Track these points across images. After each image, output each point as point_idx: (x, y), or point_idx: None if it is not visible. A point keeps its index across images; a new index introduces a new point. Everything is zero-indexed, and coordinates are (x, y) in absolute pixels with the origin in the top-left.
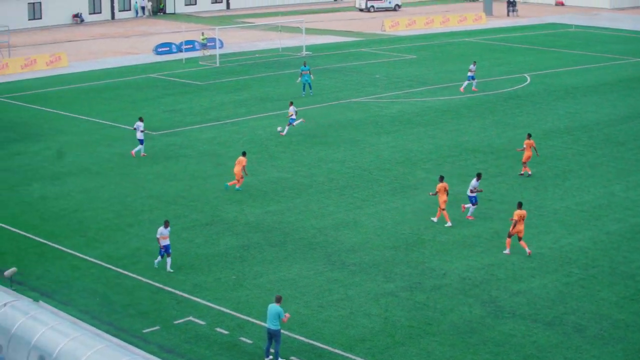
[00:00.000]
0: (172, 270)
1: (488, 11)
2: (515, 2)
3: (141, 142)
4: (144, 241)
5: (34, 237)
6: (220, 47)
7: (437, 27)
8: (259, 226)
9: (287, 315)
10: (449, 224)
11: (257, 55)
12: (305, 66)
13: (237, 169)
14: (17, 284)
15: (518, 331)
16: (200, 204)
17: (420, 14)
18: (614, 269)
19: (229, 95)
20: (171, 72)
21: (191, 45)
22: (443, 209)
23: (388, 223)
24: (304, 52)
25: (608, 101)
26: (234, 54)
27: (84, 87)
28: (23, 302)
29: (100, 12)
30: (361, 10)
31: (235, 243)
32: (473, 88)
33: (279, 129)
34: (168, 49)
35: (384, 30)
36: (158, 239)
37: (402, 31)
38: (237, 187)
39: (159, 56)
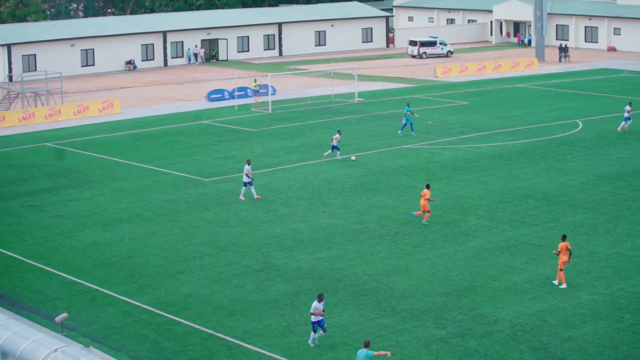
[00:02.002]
0: (313, 345)
1: (540, 57)
2: (567, 47)
3: (246, 184)
4: (194, 287)
5: (85, 283)
6: (272, 94)
7: (490, 73)
8: (310, 272)
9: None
10: (563, 285)
11: (309, 101)
12: (408, 107)
13: (422, 201)
14: (68, 330)
15: None
16: (252, 251)
17: (473, 60)
18: None
19: (280, 142)
20: (223, 118)
21: (243, 92)
22: (561, 270)
23: (439, 269)
24: (357, 99)
25: None
26: (286, 101)
27: (136, 134)
28: (74, 348)
29: (153, 59)
30: (413, 56)
31: (286, 289)
32: (625, 126)
33: (352, 158)
34: (220, 95)
35: (436, 77)
36: (312, 314)
37: (454, 77)
38: (423, 220)
39: (211, 103)
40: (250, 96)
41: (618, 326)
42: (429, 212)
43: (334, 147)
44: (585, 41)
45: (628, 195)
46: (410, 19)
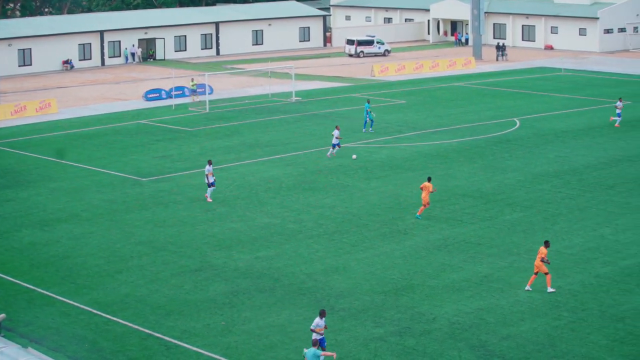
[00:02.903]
0: None
1: (477, 56)
2: (504, 46)
3: (211, 184)
4: (132, 287)
5: (23, 283)
6: (209, 93)
7: (427, 72)
8: (248, 272)
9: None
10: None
11: (246, 101)
12: (368, 104)
13: (424, 194)
14: (6, 330)
15: None
16: (190, 250)
17: (410, 59)
18: (603, 312)
19: (218, 141)
20: (161, 118)
21: (181, 92)
22: (546, 274)
23: (377, 268)
24: (294, 98)
25: (598, 144)
26: (223, 100)
27: (74, 134)
28: (12, 349)
29: (90, 59)
30: (351, 55)
31: (224, 289)
32: (616, 124)
33: (353, 156)
34: (158, 95)
35: (374, 76)
36: (313, 330)
37: (392, 76)
38: (417, 214)
39: (148, 102)
40: (187, 95)
41: (556, 324)
42: (424, 206)
43: (334, 145)
44: (523, 40)
45: (565, 193)
46: (348, 18)
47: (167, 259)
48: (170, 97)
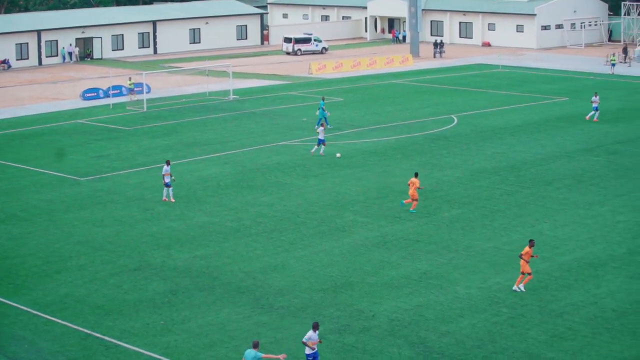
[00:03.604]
0: None
1: (415, 53)
2: (442, 43)
3: (168, 184)
4: (71, 287)
5: None
6: (147, 92)
7: (364, 70)
8: (187, 271)
9: (271, 355)
10: (517, 288)
11: (184, 99)
12: (322, 101)
13: (411, 191)
14: None
15: None
16: (128, 250)
17: (347, 56)
18: (542, 307)
19: (156, 140)
20: (98, 117)
21: (118, 91)
22: (528, 274)
23: (316, 265)
24: (232, 96)
25: (535, 141)
26: (161, 99)
27: (11, 134)
28: None
29: (28, 58)
30: (288, 53)
31: (163, 288)
32: (595, 119)
33: (337, 155)
34: (95, 94)
35: (311, 74)
36: (305, 343)
37: (329, 74)
38: (411, 209)
39: (86, 102)
40: (125, 95)
41: (495, 320)
42: (416, 200)
43: (320, 142)
44: (460, 37)
45: (504, 189)
46: (285, 16)
47: (106, 259)
48: (108, 96)
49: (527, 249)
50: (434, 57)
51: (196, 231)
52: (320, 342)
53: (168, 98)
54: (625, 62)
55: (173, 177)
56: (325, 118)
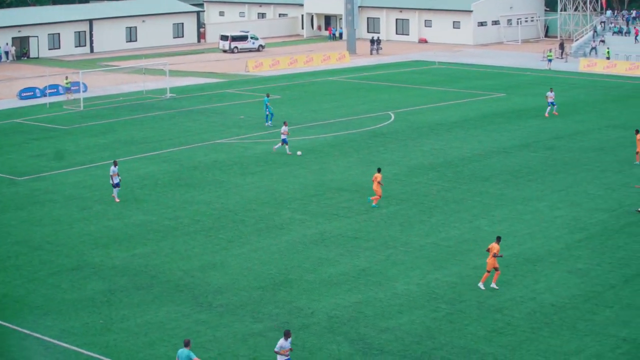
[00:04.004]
0: None
1: (351, 50)
2: (378, 40)
3: (116, 185)
4: (10, 288)
5: None
6: (84, 91)
7: (301, 67)
8: (126, 270)
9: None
10: (493, 285)
11: (121, 98)
12: (267, 97)
13: (375, 186)
14: None
15: None
16: (66, 249)
17: (284, 54)
18: (481, 303)
19: (93, 139)
20: (35, 116)
21: (55, 90)
22: (495, 269)
23: (254, 263)
24: (168, 95)
25: (472, 137)
26: (98, 98)
27: None
28: None
29: None
30: (225, 51)
31: (102, 287)
32: (554, 112)
33: (298, 153)
34: (32, 93)
35: (248, 71)
36: (277, 352)
37: (266, 71)
38: (373, 203)
39: (22, 101)
40: (62, 94)
41: (434, 316)
42: (379, 196)
43: (283, 141)
44: (397, 34)
45: (441, 185)
46: (222, 13)
47: (44, 258)
48: (45, 95)
49: (495, 245)
50: (371, 54)
51: (134, 230)
52: (291, 350)
53: (105, 97)
54: (561, 58)
55: (120, 178)
56: (270, 114)
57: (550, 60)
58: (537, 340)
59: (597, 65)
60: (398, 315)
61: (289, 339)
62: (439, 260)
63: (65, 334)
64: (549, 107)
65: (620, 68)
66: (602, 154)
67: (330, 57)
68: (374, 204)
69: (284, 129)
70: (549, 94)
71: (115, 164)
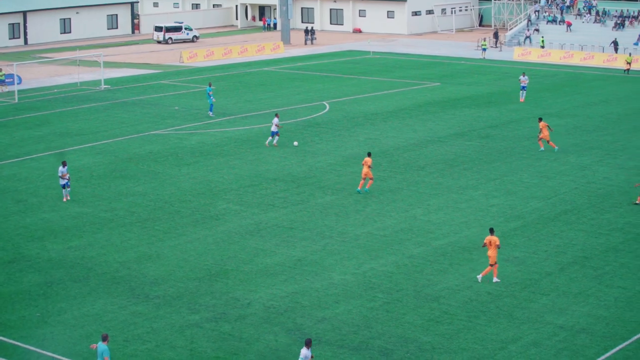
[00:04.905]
0: None
1: (286, 40)
2: (313, 30)
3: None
4: None
5: None
6: (18, 83)
7: (236, 58)
8: (62, 262)
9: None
10: (496, 280)
11: (55, 90)
12: (210, 87)
13: (365, 170)
14: None
15: (324, 357)
16: (2, 242)
17: (219, 44)
18: (418, 292)
19: (28, 132)
20: None
21: None
22: (491, 265)
23: (191, 254)
24: (103, 86)
25: (407, 126)
26: (32, 90)
27: None
28: None
29: None
30: (159, 42)
31: (39, 280)
32: (521, 99)
33: (295, 143)
34: None
35: (182, 62)
36: None
37: (201, 62)
38: (366, 187)
39: None
40: None
41: (371, 305)
42: (372, 179)
43: (273, 133)
44: (331, 24)
45: (377, 175)
46: (156, 4)
47: None
48: None
49: (493, 238)
50: (305, 44)
51: (70, 222)
52: (312, 358)
53: (39, 89)
54: (496, 47)
55: (69, 177)
56: (211, 104)
57: (484, 50)
58: (474, 328)
59: (531, 54)
60: (335, 305)
61: (310, 348)
62: (375, 249)
63: (1, 327)
64: (522, 91)
65: (555, 57)
66: (537, 143)
67: (264, 48)
68: (367, 187)
69: (275, 120)
70: (522, 77)
71: (64, 164)
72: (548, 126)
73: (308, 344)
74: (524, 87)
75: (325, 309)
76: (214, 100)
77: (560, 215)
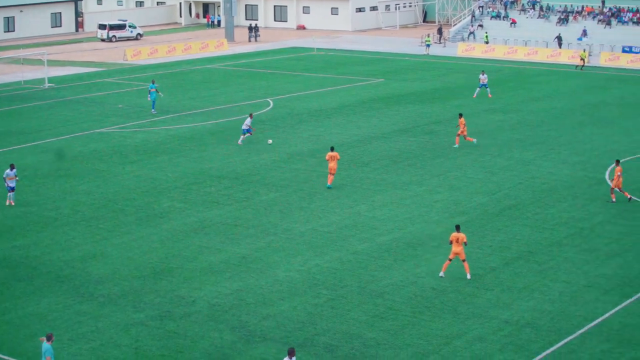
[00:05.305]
0: None
1: (230, 37)
2: (257, 27)
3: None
4: None
5: None
6: None
7: (180, 55)
8: (5, 261)
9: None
10: (468, 276)
11: None
12: (153, 84)
13: (332, 164)
14: None
15: (269, 354)
16: None
17: (162, 42)
18: (362, 288)
19: None
20: None
21: None
22: (451, 260)
23: (135, 253)
24: (47, 85)
25: (351, 122)
26: None
27: None
28: None
29: None
30: (103, 40)
31: None
32: (489, 95)
33: (269, 141)
34: None
35: (126, 60)
36: None
37: (144, 60)
38: (328, 183)
39: None
40: None
41: (316, 302)
42: (332, 175)
43: (244, 131)
44: (275, 20)
45: (321, 172)
46: (99, 2)
47: None
48: None
49: (460, 235)
50: (249, 41)
51: (14, 221)
52: None
53: None
54: (440, 43)
55: (17, 180)
56: (154, 101)
57: (428, 46)
58: (419, 324)
59: (475, 50)
60: (279, 302)
61: (293, 358)
62: (319, 246)
63: None
64: (478, 89)
65: (499, 52)
66: (480, 138)
67: (208, 45)
68: (328, 184)
69: (248, 121)
70: (481, 76)
71: (12, 167)
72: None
73: (291, 353)
74: (483, 85)
75: (270, 306)
76: (161, 95)
77: (505, 211)
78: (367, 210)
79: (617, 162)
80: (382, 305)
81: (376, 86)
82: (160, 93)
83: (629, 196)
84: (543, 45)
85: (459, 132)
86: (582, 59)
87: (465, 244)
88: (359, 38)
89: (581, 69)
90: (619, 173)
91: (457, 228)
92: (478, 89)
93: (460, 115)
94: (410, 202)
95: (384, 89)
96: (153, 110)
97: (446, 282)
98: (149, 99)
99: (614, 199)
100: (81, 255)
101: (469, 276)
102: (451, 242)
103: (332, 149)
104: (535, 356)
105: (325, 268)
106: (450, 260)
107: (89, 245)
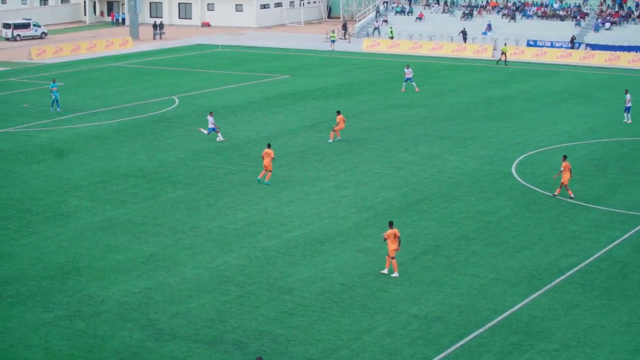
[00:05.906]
0: None
1: (134, 35)
2: (162, 24)
3: None
4: None
5: None
6: None
7: (84, 53)
8: None
9: None
10: (395, 274)
11: None
12: (54, 82)
13: (266, 161)
14: None
15: (179, 352)
16: None
17: (67, 40)
18: (271, 284)
19: None
20: None
21: None
22: (392, 258)
23: (43, 252)
24: None
25: (257, 119)
26: None
27: None
28: None
29: None
30: (7, 39)
31: None
32: (416, 89)
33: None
34: None
35: (31, 59)
36: None
37: (50, 59)
38: (265, 180)
39: None
40: None
41: (225, 299)
42: (270, 171)
43: (211, 130)
44: (180, 18)
45: (227, 169)
46: (4, 1)
47: None
48: None
49: (394, 230)
50: (154, 38)
51: None
52: None
53: None
54: (344, 39)
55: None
56: (57, 100)
57: (333, 41)
58: (328, 319)
59: (380, 45)
60: (188, 299)
61: None
62: (227, 243)
63: None
64: (405, 83)
65: (404, 47)
66: (386, 133)
67: (113, 43)
68: (266, 180)
69: (210, 119)
70: (406, 70)
71: None
72: (344, 120)
73: None
74: (409, 79)
75: (179, 304)
76: (59, 95)
77: (412, 205)
78: (274, 207)
79: (564, 157)
80: (291, 301)
81: (282, 82)
82: (54, 93)
83: (557, 193)
84: (448, 40)
85: (336, 127)
86: (503, 54)
87: (399, 239)
88: (264, 35)
89: (505, 64)
90: (561, 168)
91: (391, 224)
92: (404, 83)
93: (339, 112)
94: (318, 197)
95: (289, 85)
96: (59, 108)
97: (354, 278)
98: (52, 97)
99: (571, 195)
100: None
101: (394, 273)
102: (386, 239)
103: (268, 146)
104: (444, 350)
105: (233, 265)
106: (392, 258)
107: None
